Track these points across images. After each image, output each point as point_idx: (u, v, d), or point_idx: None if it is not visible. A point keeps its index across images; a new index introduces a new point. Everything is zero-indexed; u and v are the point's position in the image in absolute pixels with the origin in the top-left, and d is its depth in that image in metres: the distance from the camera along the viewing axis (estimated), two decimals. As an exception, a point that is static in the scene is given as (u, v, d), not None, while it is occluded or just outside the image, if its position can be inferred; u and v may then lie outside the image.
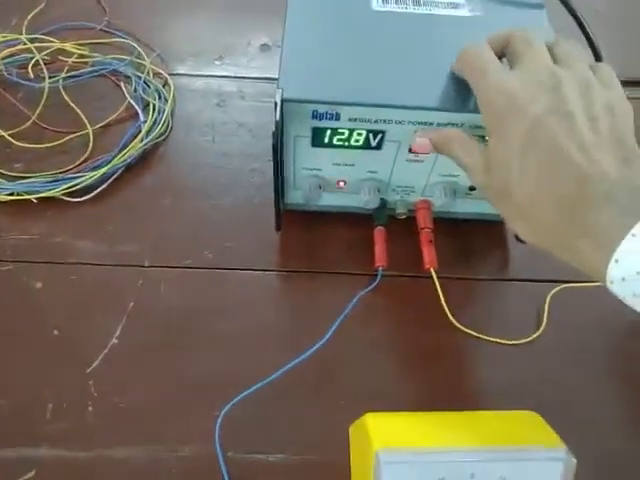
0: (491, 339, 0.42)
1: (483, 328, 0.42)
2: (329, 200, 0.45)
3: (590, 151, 0.28)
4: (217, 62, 0.60)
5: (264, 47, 0.62)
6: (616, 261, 0.25)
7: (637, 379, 0.41)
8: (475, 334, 0.42)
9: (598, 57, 0.56)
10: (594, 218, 0.26)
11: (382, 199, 0.45)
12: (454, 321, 0.42)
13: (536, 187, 0.29)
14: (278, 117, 0.36)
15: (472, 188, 0.44)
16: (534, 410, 0.34)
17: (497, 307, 0.45)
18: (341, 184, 0.44)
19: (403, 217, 0.46)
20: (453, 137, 0.36)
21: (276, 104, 0.36)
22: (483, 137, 0.38)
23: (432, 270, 0.43)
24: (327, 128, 0.39)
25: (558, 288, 0.44)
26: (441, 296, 0.42)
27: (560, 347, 0.42)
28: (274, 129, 0.35)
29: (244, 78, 0.58)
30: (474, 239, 0.47)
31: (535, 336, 0.42)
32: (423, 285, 0.43)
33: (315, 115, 0.38)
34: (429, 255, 0.43)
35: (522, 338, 0.42)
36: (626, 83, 0.59)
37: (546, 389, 0.40)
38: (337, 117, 0.38)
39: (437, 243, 0.44)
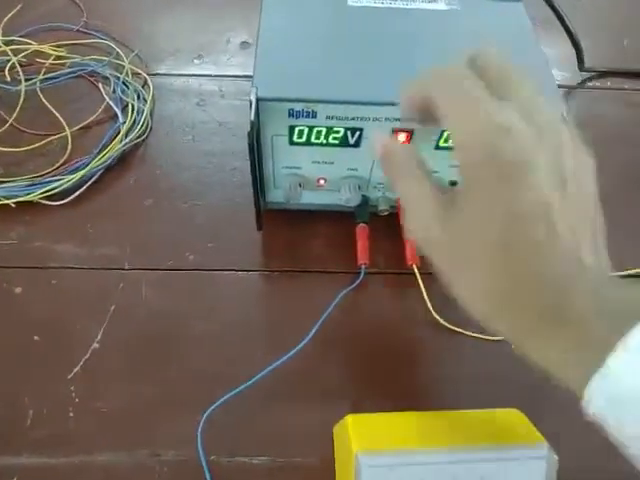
0: (475, 335, 0.42)
1: (467, 324, 0.42)
2: (310, 198, 0.45)
3: (575, 237, 0.24)
4: (196, 61, 0.59)
5: (244, 44, 0.61)
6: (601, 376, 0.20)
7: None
8: (459, 330, 0.42)
9: (578, 50, 0.56)
10: (577, 319, 0.22)
11: (364, 196, 0.44)
12: (437, 317, 0.42)
13: (517, 272, 0.24)
14: (253, 117, 0.35)
15: (453, 183, 0.44)
16: (519, 407, 0.34)
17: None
18: (321, 182, 0.44)
19: (385, 214, 0.45)
20: (396, 161, 0.29)
21: (251, 103, 0.36)
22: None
23: (414, 266, 0.42)
24: (304, 126, 0.38)
25: (541, 281, 0.44)
26: (424, 292, 0.42)
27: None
28: (249, 129, 0.35)
29: (224, 76, 0.58)
30: (457, 234, 0.47)
31: (519, 330, 0.42)
32: (406, 282, 0.43)
33: (291, 113, 0.37)
34: (411, 251, 0.43)
35: (506, 333, 0.42)
36: (607, 74, 0.60)
37: (530, 385, 0.40)
38: (314, 115, 0.37)
39: (420, 239, 0.44)
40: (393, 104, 0.37)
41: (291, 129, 0.39)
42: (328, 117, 0.38)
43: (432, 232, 0.26)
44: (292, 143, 0.40)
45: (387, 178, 0.30)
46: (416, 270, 0.42)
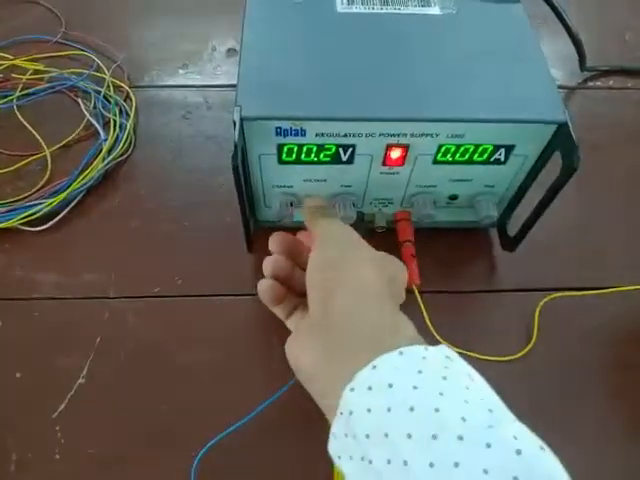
0: (479, 356, 0.40)
1: (470, 344, 0.40)
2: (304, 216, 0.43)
3: None
4: (181, 71, 0.57)
5: (231, 52, 0.59)
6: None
7: (632, 391, 0.39)
8: (462, 351, 0.40)
9: (579, 49, 0.54)
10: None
11: (359, 212, 0.42)
12: (439, 338, 0.40)
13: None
14: (237, 138, 0.33)
15: (452, 197, 0.42)
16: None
17: (484, 321, 0.43)
18: (314, 200, 0.41)
19: (382, 230, 0.43)
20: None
21: (235, 123, 0.33)
22: (472, 147, 0.36)
23: (414, 286, 0.40)
24: (293, 145, 0.36)
25: (548, 297, 0.42)
26: (424, 313, 0.40)
27: (552, 362, 0.40)
28: (233, 151, 0.33)
29: (210, 87, 0.55)
30: (458, 248, 0.45)
31: (526, 351, 0.40)
32: (407, 300, 0.41)
33: (279, 132, 0.35)
34: (411, 271, 0.40)
35: (512, 354, 0.40)
36: (610, 72, 0.58)
37: (537, 407, 0.38)
38: (303, 133, 0.35)
39: (419, 254, 0.42)
40: (386, 119, 0.35)
41: (279, 148, 0.36)
42: (318, 134, 0.35)
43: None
44: (281, 162, 0.38)
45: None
46: (416, 290, 0.40)
